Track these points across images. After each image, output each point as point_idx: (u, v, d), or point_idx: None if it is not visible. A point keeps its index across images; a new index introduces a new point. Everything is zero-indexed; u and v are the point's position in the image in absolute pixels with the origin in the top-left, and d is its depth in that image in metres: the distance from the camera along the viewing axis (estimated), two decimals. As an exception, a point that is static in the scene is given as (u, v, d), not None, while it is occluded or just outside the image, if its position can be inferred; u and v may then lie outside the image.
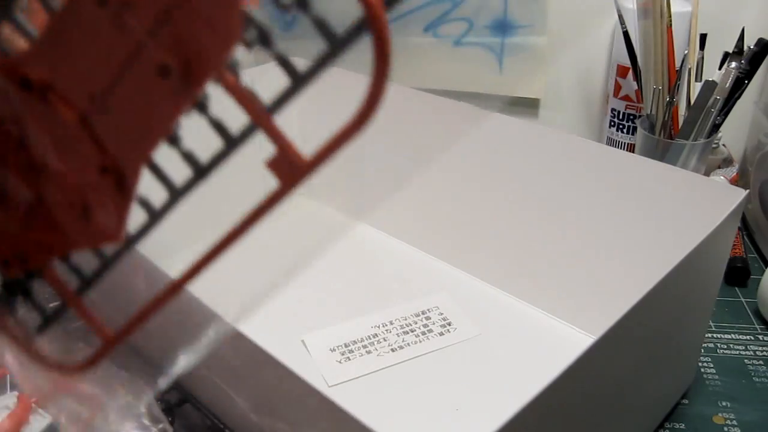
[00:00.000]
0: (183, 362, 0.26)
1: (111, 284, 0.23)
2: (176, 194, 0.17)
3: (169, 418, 0.41)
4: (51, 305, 0.22)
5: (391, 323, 0.53)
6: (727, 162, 0.72)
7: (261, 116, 0.15)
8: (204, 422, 0.42)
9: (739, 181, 0.70)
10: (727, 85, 0.57)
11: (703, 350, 0.52)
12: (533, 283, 0.55)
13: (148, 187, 0.16)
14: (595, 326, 0.51)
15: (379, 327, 0.52)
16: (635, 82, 0.63)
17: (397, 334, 0.52)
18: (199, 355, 0.27)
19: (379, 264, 0.61)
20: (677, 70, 0.59)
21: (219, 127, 0.15)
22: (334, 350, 0.50)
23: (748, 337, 0.53)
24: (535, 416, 0.28)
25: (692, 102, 0.60)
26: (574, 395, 0.32)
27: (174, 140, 0.15)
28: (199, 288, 0.35)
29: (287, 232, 0.64)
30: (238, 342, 0.33)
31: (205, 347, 0.28)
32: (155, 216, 0.17)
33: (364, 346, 0.50)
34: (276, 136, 0.15)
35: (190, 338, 0.41)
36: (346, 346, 0.50)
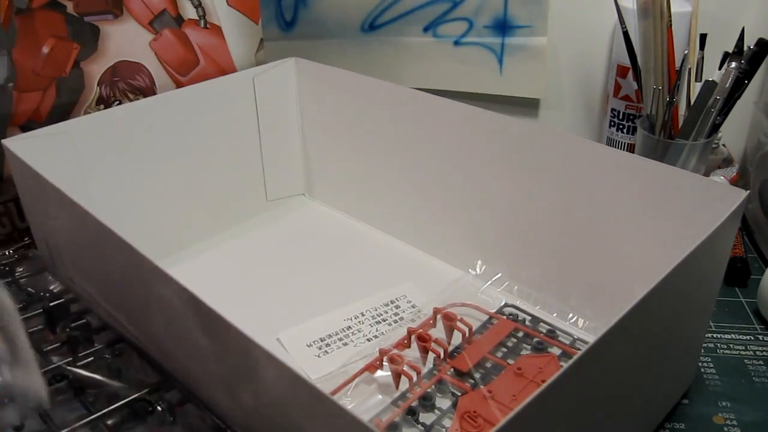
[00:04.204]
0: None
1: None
2: None
3: (170, 418, 0.41)
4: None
5: (363, 315, 0.54)
6: (727, 162, 0.72)
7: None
8: (204, 422, 0.42)
9: (739, 181, 0.70)
10: (727, 85, 0.57)
11: (703, 350, 0.52)
12: (533, 282, 0.55)
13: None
14: (596, 326, 0.51)
15: (351, 319, 0.53)
16: (635, 82, 0.63)
17: (371, 324, 0.53)
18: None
19: (366, 258, 0.61)
20: (677, 70, 0.59)
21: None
22: (311, 345, 0.51)
23: (748, 337, 0.53)
24: (534, 416, 0.28)
25: (692, 102, 0.60)
26: (574, 395, 0.32)
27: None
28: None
29: (259, 232, 0.65)
30: (239, 342, 0.33)
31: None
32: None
33: (340, 339, 0.51)
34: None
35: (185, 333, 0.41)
36: (322, 340, 0.51)
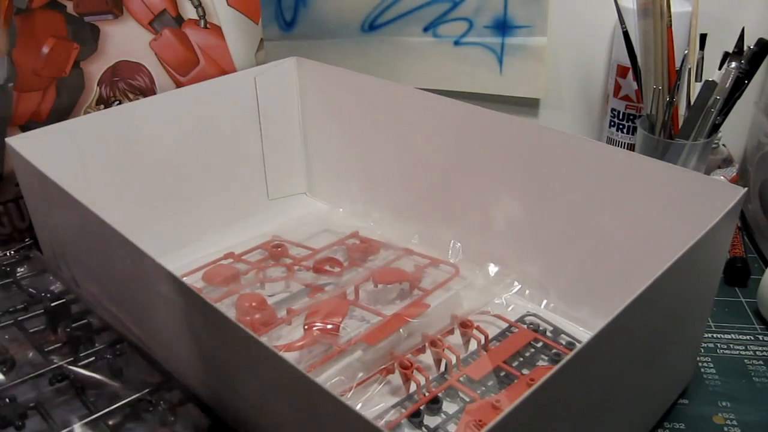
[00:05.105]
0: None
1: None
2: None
3: (171, 418, 0.42)
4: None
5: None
6: (727, 162, 0.72)
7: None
8: (204, 422, 0.42)
9: (739, 181, 0.70)
10: (727, 85, 0.57)
11: (703, 350, 0.52)
12: (531, 280, 0.55)
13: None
14: (593, 323, 0.51)
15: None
16: (635, 82, 0.63)
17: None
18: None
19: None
20: (677, 70, 0.59)
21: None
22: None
23: (748, 337, 0.53)
24: (532, 412, 0.28)
25: (692, 102, 0.60)
26: (571, 392, 0.32)
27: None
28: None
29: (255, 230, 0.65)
30: (241, 340, 0.33)
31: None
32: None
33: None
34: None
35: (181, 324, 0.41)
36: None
